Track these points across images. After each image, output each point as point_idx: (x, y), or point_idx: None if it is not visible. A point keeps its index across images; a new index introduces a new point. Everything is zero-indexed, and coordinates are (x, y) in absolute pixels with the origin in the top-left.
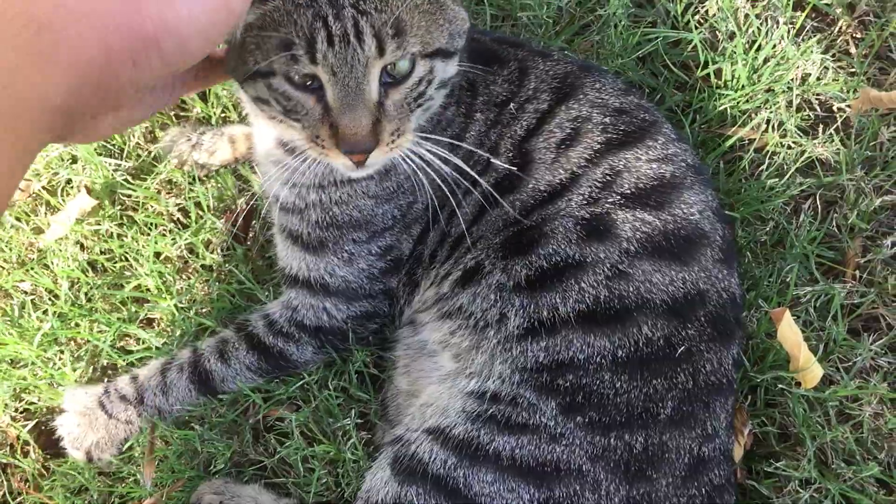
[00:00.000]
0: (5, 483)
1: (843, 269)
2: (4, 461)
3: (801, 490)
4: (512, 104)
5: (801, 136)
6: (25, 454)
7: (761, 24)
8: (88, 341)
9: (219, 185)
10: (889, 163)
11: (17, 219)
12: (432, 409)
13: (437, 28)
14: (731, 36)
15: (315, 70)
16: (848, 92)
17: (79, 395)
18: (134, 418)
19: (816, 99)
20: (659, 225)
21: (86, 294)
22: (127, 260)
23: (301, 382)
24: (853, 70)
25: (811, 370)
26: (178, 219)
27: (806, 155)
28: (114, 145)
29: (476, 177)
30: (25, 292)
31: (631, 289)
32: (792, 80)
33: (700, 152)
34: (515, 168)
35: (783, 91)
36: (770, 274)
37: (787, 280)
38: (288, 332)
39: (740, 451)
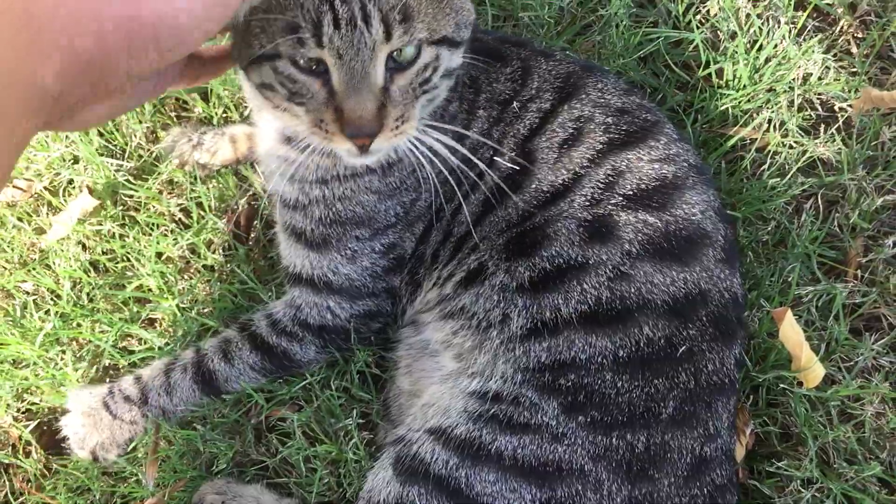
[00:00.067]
0: (7, 483)
1: (844, 268)
2: (6, 461)
3: (802, 490)
4: (515, 102)
5: (802, 136)
6: (27, 454)
7: (762, 23)
8: (90, 341)
9: (220, 186)
10: (890, 162)
11: (19, 219)
12: (434, 410)
13: (443, 16)
14: (733, 36)
15: (321, 54)
16: (849, 92)
17: (83, 396)
18: (138, 419)
19: (818, 99)
20: (661, 226)
21: (88, 294)
22: (129, 260)
23: (303, 383)
24: (854, 70)
25: (813, 370)
26: (179, 219)
27: (807, 154)
28: (115, 145)
29: (483, 167)
30: (27, 292)
31: (632, 290)
32: (793, 79)
33: (701, 152)
34: (518, 167)
35: (784, 91)
36: (772, 273)
37: (789, 280)
38: (291, 331)
39: (742, 450)
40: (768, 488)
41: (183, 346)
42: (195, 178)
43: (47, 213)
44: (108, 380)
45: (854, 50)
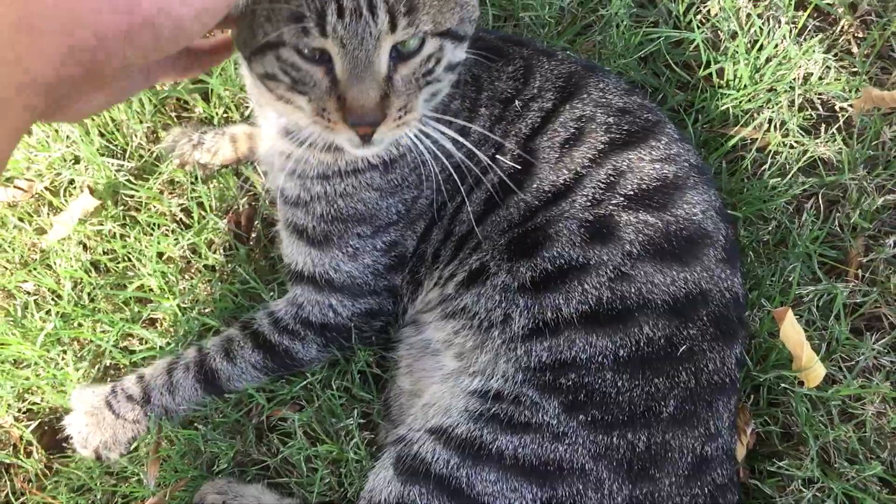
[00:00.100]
0: (8, 483)
1: (845, 268)
2: (7, 461)
3: (803, 489)
4: (517, 101)
5: (803, 136)
6: (28, 454)
7: (763, 23)
8: (91, 341)
9: (221, 186)
10: (891, 162)
11: (20, 219)
12: (435, 409)
13: (448, 9)
14: (733, 35)
15: (324, 43)
16: (850, 91)
17: (86, 395)
18: (141, 418)
19: (818, 98)
20: (661, 226)
21: (89, 294)
22: (130, 260)
23: (304, 382)
24: (855, 69)
25: (814, 369)
26: (180, 219)
27: (808, 154)
28: (116, 146)
29: (486, 160)
30: (28, 293)
31: (633, 290)
32: (794, 79)
33: (702, 152)
34: (520, 167)
35: (785, 90)
36: (772, 273)
37: (790, 279)
38: (293, 329)
39: (743, 450)
40: (769, 488)
41: (185, 346)
42: (196, 178)
43: (48, 214)
44: (109, 380)
45: (855, 50)
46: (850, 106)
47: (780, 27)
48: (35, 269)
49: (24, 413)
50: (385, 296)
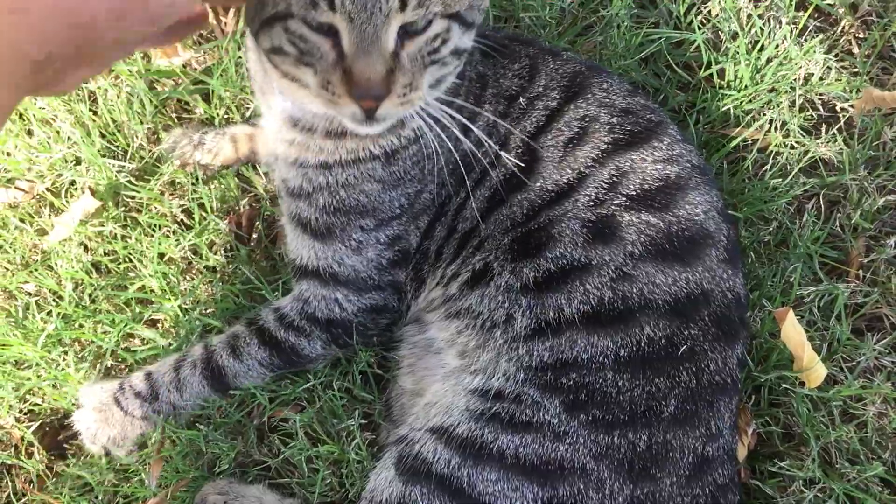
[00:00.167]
0: (10, 484)
1: (846, 268)
2: (9, 462)
3: (805, 490)
4: (521, 98)
5: (804, 136)
6: (30, 455)
7: (764, 24)
8: (92, 342)
9: (222, 187)
10: (892, 162)
11: (21, 220)
12: (436, 408)
13: None
14: (734, 36)
15: (333, 18)
16: (851, 92)
17: (95, 391)
18: (149, 414)
19: (819, 99)
20: (663, 227)
21: (90, 295)
22: (131, 261)
23: (306, 384)
24: (856, 70)
25: (815, 370)
26: (181, 220)
27: (809, 155)
28: (117, 147)
29: (495, 150)
30: (29, 293)
31: (634, 290)
32: (795, 80)
33: (703, 153)
34: (524, 164)
35: (786, 91)
36: (774, 274)
37: (791, 280)
38: (299, 325)
39: (744, 450)
40: (770, 488)
41: (190, 343)
42: (197, 179)
43: (49, 215)
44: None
45: (855, 50)
46: (851, 106)
47: (780, 28)
48: (36, 270)
49: (25, 414)
50: (390, 292)
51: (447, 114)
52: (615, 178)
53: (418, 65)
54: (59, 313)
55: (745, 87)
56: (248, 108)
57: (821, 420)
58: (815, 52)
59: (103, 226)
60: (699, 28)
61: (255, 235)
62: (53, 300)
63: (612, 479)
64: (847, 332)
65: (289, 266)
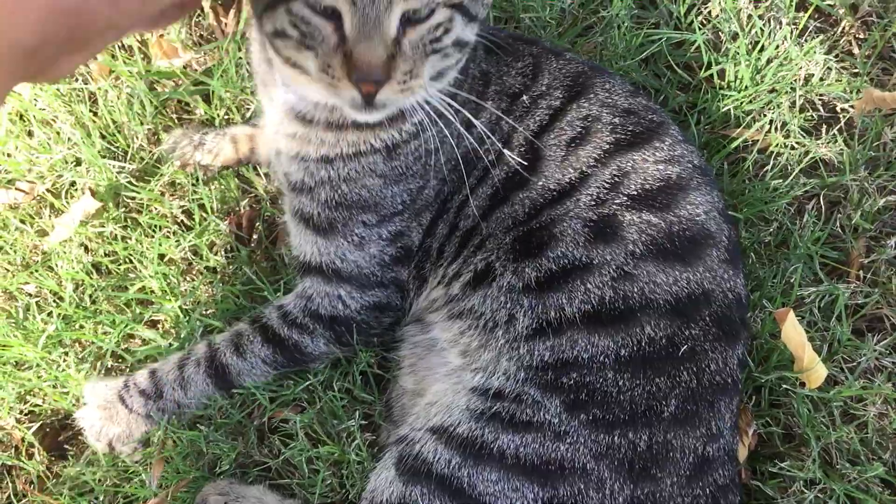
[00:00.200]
0: (10, 485)
1: (847, 269)
2: (9, 463)
3: (805, 490)
4: (524, 96)
5: (804, 137)
6: (30, 456)
7: (764, 24)
8: (93, 343)
9: (222, 187)
10: (892, 163)
11: (22, 221)
12: (436, 408)
13: None
14: (734, 37)
15: (335, 2)
16: (851, 92)
17: (99, 389)
18: (153, 412)
19: (819, 99)
20: (664, 226)
21: (90, 296)
22: (131, 262)
23: (306, 384)
24: (856, 70)
25: (815, 370)
26: (181, 221)
27: (809, 155)
28: (117, 147)
29: (498, 145)
30: (30, 294)
31: (635, 289)
32: (795, 80)
33: (704, 154)
34: (527, 163)
35: (786, 92)
36: (774, 275)
37: (791, 280)
38: (302, 322)
39: (745, 451)
40: (771, 489)
41: (194, 341)
42: (197, 180)
43: (50, 216)
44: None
45: (856, 51)
46: (852, 107)
47: (780, 28)
48: (37, 270)
49: (25, 415)
50: (393, 289)
51: (450, 108)
52: (617, 178)
53: (420, 53)
54: (59, 314)
55: (746, 87)
56: (248, 109)
57: (821, 421)
58: (815, 52)
59: (104, 227)
60: (699, 29)
61: (255, 236)
62: (54, 301)
63: (612, 479)
64: (847, 333)
65: (291, 265)
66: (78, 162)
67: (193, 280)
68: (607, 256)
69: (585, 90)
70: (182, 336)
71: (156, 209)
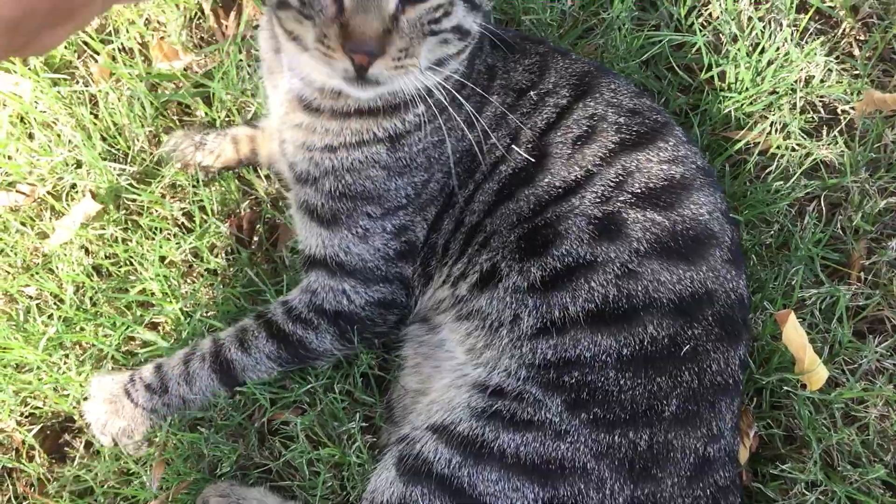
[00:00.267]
0: (11, 488)
1: (848, 271)
2: (10, 465)
3: (807, 492)
4: (532, 92)
5: (805, 139)
6: (31, 459)
7: (764, 26)
8: (93, 345)
9: (222, 189)
10: (893, 164)
11: (23, 223)
12: (438, 405)
13: None
14: (735, 39)
15: None
16: (852, 94)
17: (105, 383)
18: (159, 407)
19: (820, 101)
20: (668, 225)
21: (91, 298)
22: (132, 264)
23: (307, 386)
24: (857, 72)
25: (816, 372)
26: (182, 223)
27: (811, 157)
28: (118, 150)
29: (505, 140)
30: (30, 297)
31: (639, 287)
32: (796, 82)
33: (706, 156)
34: (533, 160)
35: (787, 93)
36: (775, 276)
37: (793, 282)
38: (307, 318)
39: (746, 453)
40: (772, 491)
41: (199, 337)
42: (198, 182)
43: (50, 218)
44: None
45: (856, 52)
46: (852, 108)
47: (781, 30)
48: (37, 273)
49: (26, 417)
50: (397, 285)
51: (454, 101)
52: (621, 177)
53: (417, 32)
54: (60, 316)
55: (746, 89)
56: (249, 111)
57: (822, 422)
58: (815, 54)
59: (104, 229)
60: (700, 30)
61: (256, 238)
62: (54, 303)
63: (612, 479)
64: (848, 335)
65: (292, 267)
66: (79, 164)
67: (194, 282)
68: (612, 254)
69: (591, 89)
70: (183, 338)
71: (156, 211)
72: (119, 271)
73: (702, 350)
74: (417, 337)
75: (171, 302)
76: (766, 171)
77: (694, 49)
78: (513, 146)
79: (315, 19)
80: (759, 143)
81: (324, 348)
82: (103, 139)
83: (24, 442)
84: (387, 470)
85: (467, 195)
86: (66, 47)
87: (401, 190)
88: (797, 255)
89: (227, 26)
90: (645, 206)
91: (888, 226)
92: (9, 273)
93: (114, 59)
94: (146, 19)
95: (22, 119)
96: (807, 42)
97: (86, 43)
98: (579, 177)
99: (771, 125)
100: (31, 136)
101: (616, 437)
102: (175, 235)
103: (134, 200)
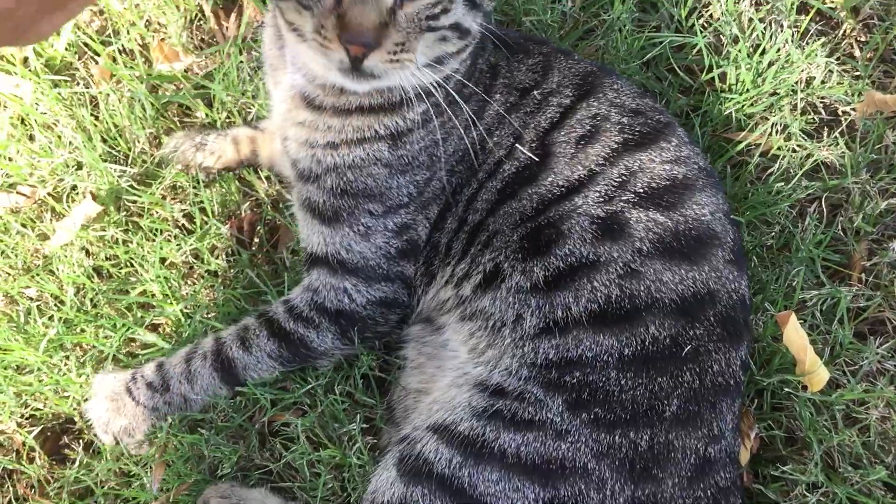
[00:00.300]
0: (11, 489)
1: (848, 272)
2: (10, 467)
3: (808, 494)
4: (535, 92)
5: (806, 140)
6: (31, 460)
7: (765, 27)
8: (94, 347)
9: (223, 191)
10: (894, 165)
11: (23, 225)
12: (439, 405)
13: None
14: (735, 40)
15: None
16: (853, 95)
17: (107, 381)
18: (160, 405)
19: (821, 102)
20: (671, 225)
21: (91, 300)
22: (132, 266)
23: (307, 387)
24: (858, 73)
25: (817, 373)
26: (182, 224)
27: (812, 158)
28: (118, 151)
29: (509, 139)
30: (31, 298)
31: (642, 287)
32: (796, 83)
33: (708, 157)
34: (537, 158)
35: (788, 95)
36: (776, 278)
37: (794, 284)
38: (308, 316)
39: (747, 454)
40: (773, 492)
41: (201, 335)
42: (198, 184)
43: (51, 219)
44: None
45: (857, 53)
46: (853, 110)
47: (782, 31)
48: (38, 274)
49: (26, 419)
50: (399, 284)
51: (456, 99)
52: (624, 177)
53: (414, 27)
54: (60, 318)
55: (747, 90)
56: (249, 113)
57: (823, 424)
58: (816, 55)
59: (105, 230)
60: (701, 32)
61: (256, 240)
62: (55, 305)
63: (613, 479)
64: (849, 336)
65: (296, 265)
66: (79, 166)
67: (194, 284)
68: (614, 254)
69: (595, 89)
70: (183, 339)
71: (157, 213)
72: (119, 273)
73: (703, 350)
74: (421, 337)
75: (171, 303)
76: (768, 172)
77: (695, 50)
78: (516, 145)
79: (314, 9)
80: (760, 144)
81: (325, 347)
82: (104, 141)
83: (24, 443)
84: (387, 470)
85: (470, 193)
86: (66, 49)
87: (402, 188)
88: (798, 257)
89: (227, 28)
90: (647, 206)
91: (889, 227)
92: (9, 274)
93: (114, 60)
94: (147, 21)
95: (23, 121)
96: (807, 43)
97: (86, 44)
98: (582, 176)
99: (772, 126)
100: (31, 138)
101: (617, 438)
102: (175, 237)
103: (134, 202)
